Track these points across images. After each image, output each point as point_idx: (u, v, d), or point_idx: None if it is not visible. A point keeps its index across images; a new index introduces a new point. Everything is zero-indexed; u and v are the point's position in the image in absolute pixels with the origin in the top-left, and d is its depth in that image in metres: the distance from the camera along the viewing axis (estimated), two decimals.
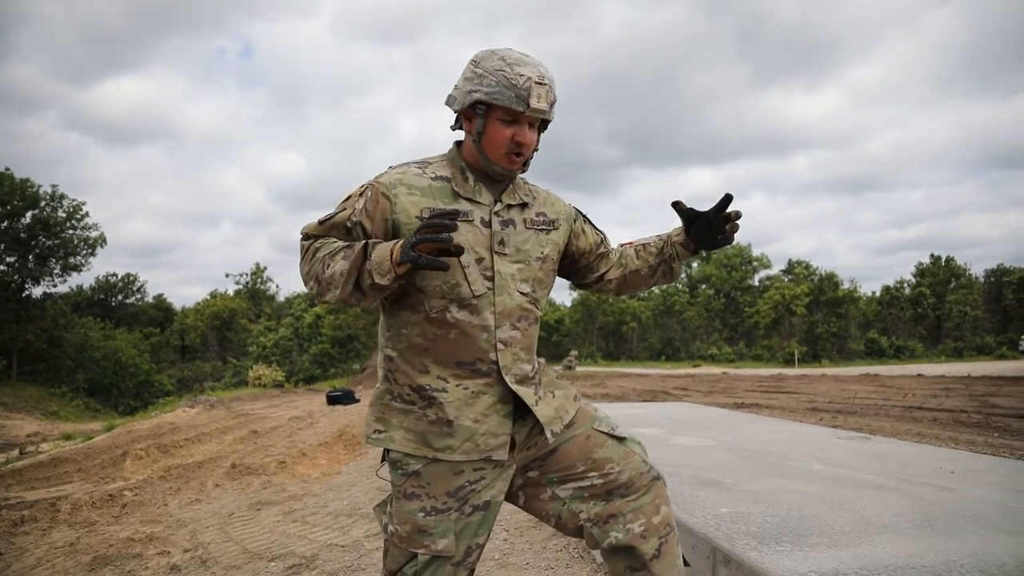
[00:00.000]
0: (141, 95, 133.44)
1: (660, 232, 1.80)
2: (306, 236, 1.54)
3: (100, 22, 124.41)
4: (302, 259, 1.51)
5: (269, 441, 8.62)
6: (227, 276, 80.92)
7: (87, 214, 40.18)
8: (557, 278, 1.75)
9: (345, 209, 1.54)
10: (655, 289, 52.89)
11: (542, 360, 1.70)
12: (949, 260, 55.92)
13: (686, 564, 1.65)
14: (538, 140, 1.59)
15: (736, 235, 1.67)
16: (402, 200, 1.51)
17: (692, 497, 2.91)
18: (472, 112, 1.53)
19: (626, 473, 1.62)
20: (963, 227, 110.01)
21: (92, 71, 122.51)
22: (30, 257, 38.75)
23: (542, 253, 1.63)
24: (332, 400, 14.65)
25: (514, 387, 1.55)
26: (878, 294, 56.96)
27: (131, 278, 60.21)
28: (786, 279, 55.94)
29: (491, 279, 1.53)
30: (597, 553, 2.90)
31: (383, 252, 1.38)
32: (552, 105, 1.53)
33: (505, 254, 1.56)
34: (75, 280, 56.20)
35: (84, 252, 40.48)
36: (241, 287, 61.92)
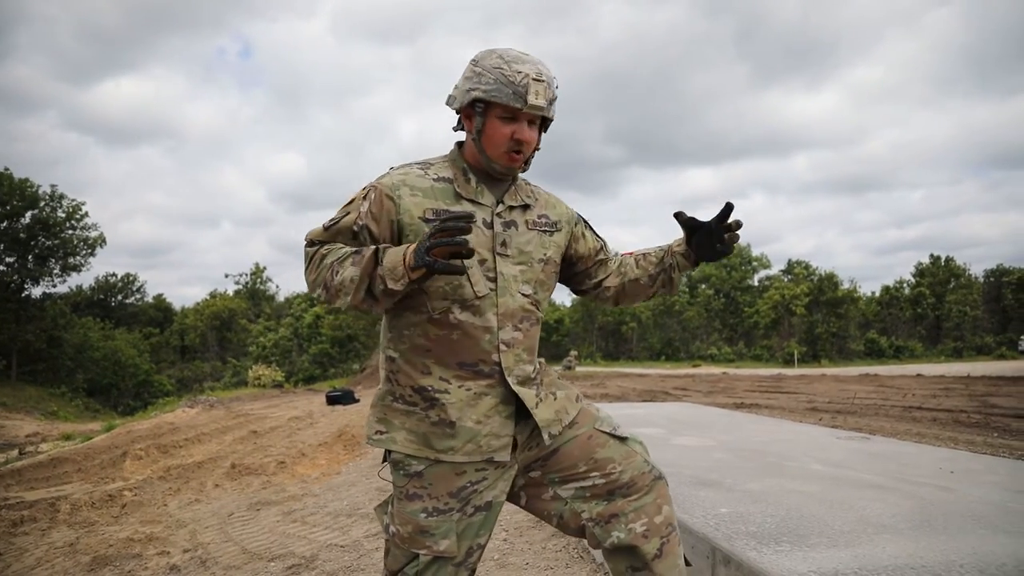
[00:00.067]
0: (141, 95, 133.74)
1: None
2: (311, 242, 1.52)
3: (100, 22, 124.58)
4: (308, 266, 1.49)
5: (269, 441, 8.62)
6: (227, 276, 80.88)
7: (86, 214, 40.26)
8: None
9: (349, 213, 1.52)
10: None
11: (542, 360, 1.70)
12: (949, 260, 55.95)
13: (687, 564, 1.65)
14: (539, 139, 1.59)
15: (736, 244, 1.66)
16: (405, 201, 1.51)
17: (692, 497, 2.91)
18: (471, 111, 1.54)
19: (628, 473, 1.62)
20: (963, 227, 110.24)
21: (92, 71, 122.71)
22: (29, 257, 38.74)
23: (544, 255, 1.63)
24: (332, 400, 14.65)
25: (516, 388, 1.55)
26: (878, 294, 57.01)
27: (131, 278, 60.28)
28: (786, 279, 55.93)
29: (494, 280, 1.53)
30: (597, 553, 2.90)
31: (395, 257, 1.37)
32: (551, 103, 1.53)
33: (507, 255, 1.56)
34: (75, 280, 56.25)
35: (83, 252, 40.51)
36: (241, 287, 61.91)
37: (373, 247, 1.41)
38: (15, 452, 10.54)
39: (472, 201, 1.56)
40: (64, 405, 32.82)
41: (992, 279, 57.15)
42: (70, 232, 39.66)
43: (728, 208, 1.61)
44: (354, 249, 1.44)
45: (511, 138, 1.51)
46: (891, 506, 2.73)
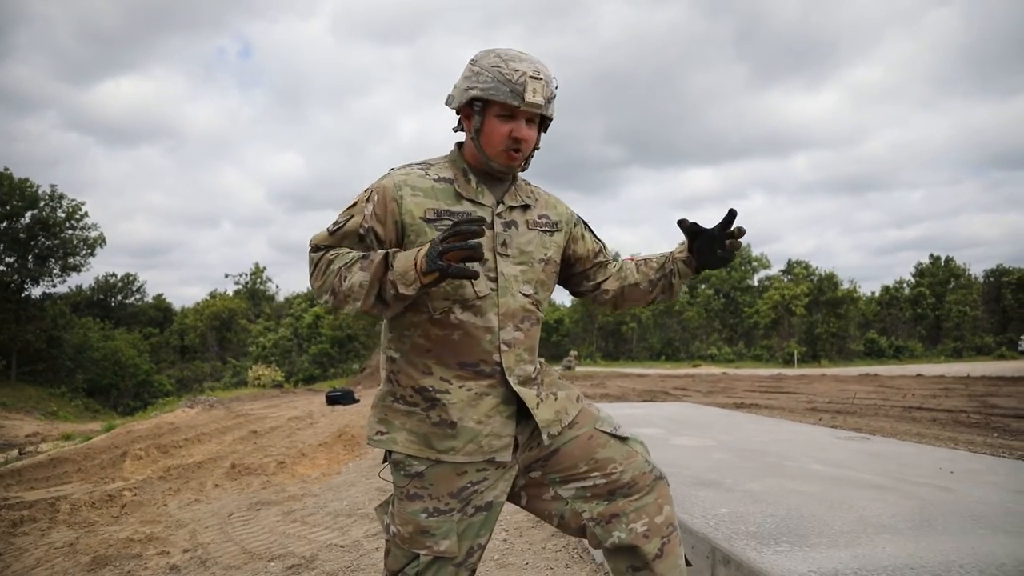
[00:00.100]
0: (141, 95, 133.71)
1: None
2: (316, 247, 1.51)
3: (99, 22, 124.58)
4: (313, 272, 1.47)
5: (268, 441, 8.62)
6: (226, 276, 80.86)
7: (86, 214, 40.26)
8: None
9: (353, 216, 1.51)
10: None
11: (543, 360, 1.70)
12: (948, 260, 55.99)
13: (688, 564, 1.65)
14: (539, 138, 1.59)
15: (737, 251, 1.64)
16: (407, 201, 1.51)
17: (691, 497, 2.91)
18: (470, 110, 1.54)
19: (629, 473, 1.62)
20: (962, 227, 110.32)
21: (92, 71, 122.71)
22: (29, 257, 38.74)
23: (545, 255, 1.63)
24: (331, 400, 14.65)
25: (517, 388, 1.55)
26: (877, 294, 57.04)
27: (130, 278, 60.29)
28: (785, 279, 55.95)
29: (495, 280, 1.53)
30: (597, 553, 2.90)
31: (407, 262, 1.35)
32: (549, 101, 1.53)
33: (508, 255, 1.56)
34: (74, 280, 56.21)
35: (83, 252, 40.52)
36: (240, 287, 61.89)
37: (382, 252, 1.39)
38: (15, 452, 10.54)
39: (472, 201, 1.56)
40: (64, 405, 32.82)
41: (992, 279, 57.18)
42: (70, 232, 39.68)
43: (731, 214, 1.59)
44: (361, 254, 1.43)
45: (509, 136, 1.51)
46: (891, 506, 2.74)
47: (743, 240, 1.63)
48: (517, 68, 1.48)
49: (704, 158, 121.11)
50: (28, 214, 38.18)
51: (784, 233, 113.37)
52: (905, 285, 56.50)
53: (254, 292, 61.01)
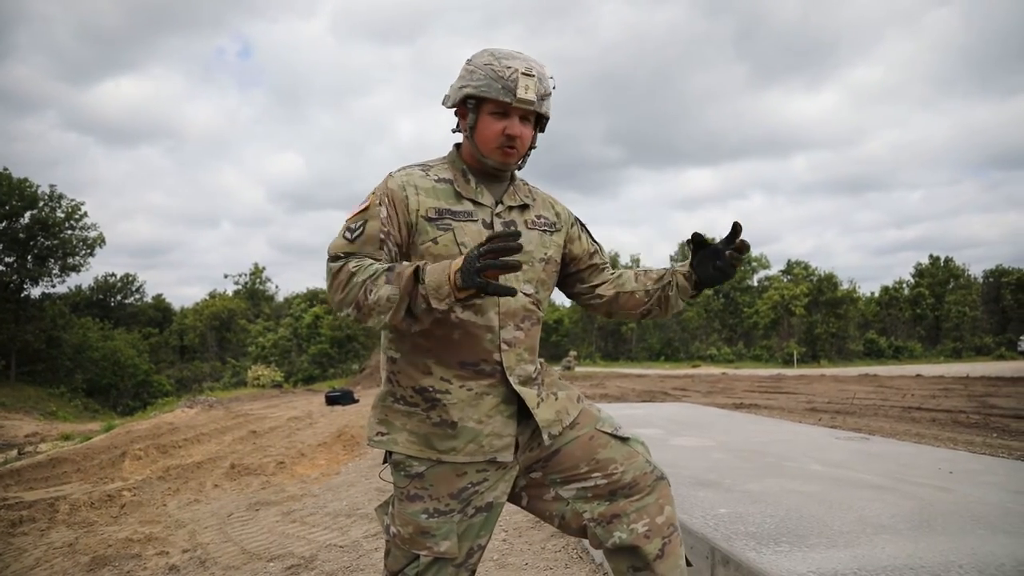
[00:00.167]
0: (140, 95, 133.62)
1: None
2: (336, 256, 1.45)
3: (99, 22, 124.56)
4: (332, 283, 1.41)
5: (268, 441, 8.61)
6: (226, 276, 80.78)
7: (85, 214, 40.23)
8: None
9: (369, 220, 1.48)
10: None
11: (543, 361, 1.70)
12: (948, 261, 56.05)
13: (688, 564, 1.66)
14: (535, 137, 1.60)
15: (738, 266, 1.57)
16: (412, 201, 1.52)
17: (691, 497, 2.91)
18: (465, 108, 1.55)
19: (630, 473, 1.62)
20: (962, 228, 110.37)
21: (91, 71, 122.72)
22: (28, 257, 38.71)
23: (545, 254, 1.63)
24: (331, 400, 14.65)
25: (517, 388, 1.55)
26: (877, 294, 57.08)
27: (130, 278, 60.31)
28: (785, 279, 55.95)
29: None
30: (596, 553, 2.91)
31: (440, 276, 1.30)
32: (543, 98, 1.53)
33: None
34: (74, 280, 56.22)
35: (83, 252, 40.48)
36: (240, 287, 61.89)
37: (411, 265, 1.35)
38: (14, 452, 10.53)
39: (472, 201, 1.56)
40: (63, 405, 32.79)
41: (991, 280, 57.23)
42: (69, 232, 39.65)
43: (736, 228, 1.55)
44: (386, 266, 1.38)
45: (502, 133, 1.51)
46: (890, 506, 2.74)
47: (745, 254, 1.57)
48: (509, 65, 1.49)
49: (704, 158, 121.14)
50: (27, 214, 38.16)
51: (783, 233, 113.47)
52: (904, 285, 56.55)
53: (253, 292, 61.01)
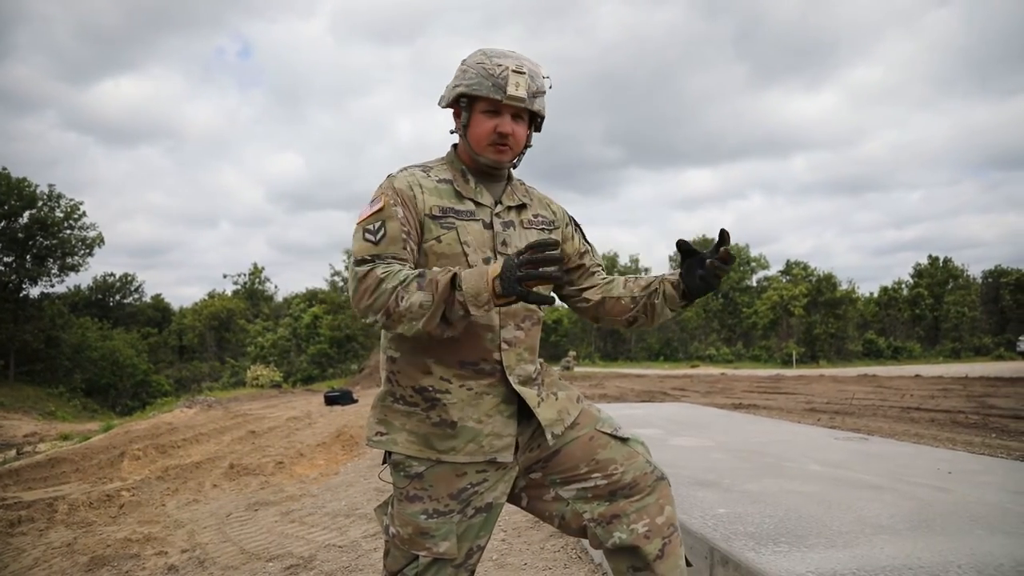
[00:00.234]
0: (140, 95, 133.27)
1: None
2: (362, 260, 1.43)
3: (99, 22, 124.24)
4: (357, 289, 1.39)
5: (267, 441, 8.61)
6: (225, 276, 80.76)
7: (84, 214, 40.27)
8: None
9: (387, 220, 1.48)
10: None
11: (543, 361, 1.70)
12: (947, 261, 56.12)
13: (688, 564, 1.66)
14: (530, 136, 1.60)
15: (721, 276, 1.52)
16: (419, 200, 1.53)
17: (690, 497, 2.91)
18: (458, 107, 1.56)
19: (630, 474, 1.61)
20: (961, 228, 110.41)
21: (91, 71, 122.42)
22: (27, 257, 38.72)
23: None
24: (330, 400, 14.65)
25: (517, 387, 1.55)
26: (876, 295, 57.11)
27: (129, 278, 60.32)
28: (784, 280, 55.97)
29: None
30: (595, 553, 2.91)
31: (478, 283, 1.30)
32: (535, 96, 1.53)
33: (508, 255, 1.56)
34: (73, 280, 56.19)
35: (82, 252, 40.52)
36: (239, 287, 61.90)
37: (448, 271, 1.34)
38: (13, 452, 10.53)
39: (472, 200, 1.57)
40: (62, 405, 32.79)
41: (990, 280, 57.29)
42: (68, 232, 39.67)
43: (723, 237, 1.50)
44: (416, 272, 1.37)
45: (494, 131, 1.52)
46: (889, 507, 2.74)
47: (740, 240, 1.58)
48: (500, 63, 1.50)
49: (703, 159, 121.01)
50: (26, 214, 38.18)
51: (783, 234, 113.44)
52: (904, 286, 56.60)
53: (252, 292, 61.01)
